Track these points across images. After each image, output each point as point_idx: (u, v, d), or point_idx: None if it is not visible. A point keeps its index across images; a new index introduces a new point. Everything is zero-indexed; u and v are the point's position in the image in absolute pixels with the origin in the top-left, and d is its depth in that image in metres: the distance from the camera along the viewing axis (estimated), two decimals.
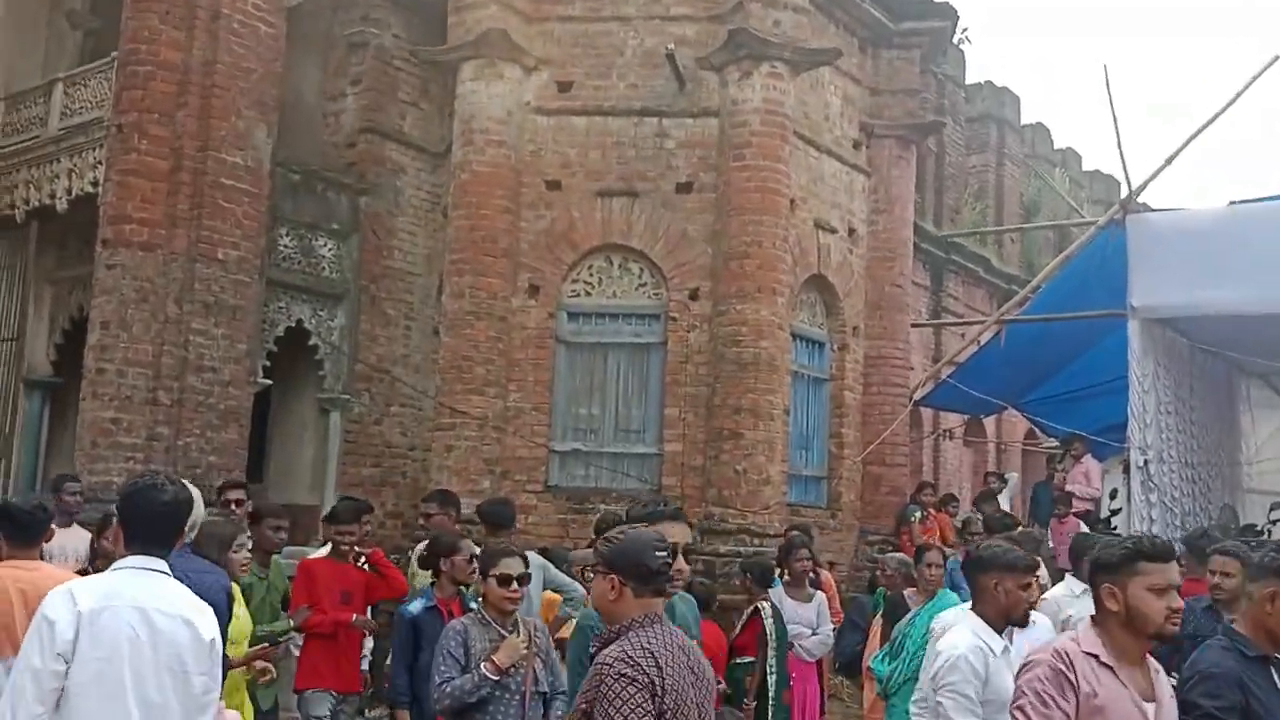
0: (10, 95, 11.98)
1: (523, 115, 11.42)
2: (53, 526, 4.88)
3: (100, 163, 10.64)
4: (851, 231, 12.69)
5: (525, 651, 4.73)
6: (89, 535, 6.91)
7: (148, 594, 3.30)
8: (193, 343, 10.29)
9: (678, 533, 3.94)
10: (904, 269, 13.18)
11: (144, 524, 3.41)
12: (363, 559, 6.86)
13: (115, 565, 3.43)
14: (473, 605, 5.37)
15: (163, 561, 3.41)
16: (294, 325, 11.58)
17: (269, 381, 11.23)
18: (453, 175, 11.53)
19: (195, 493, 4.48)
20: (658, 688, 2.93)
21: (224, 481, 8.86)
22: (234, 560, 5.49)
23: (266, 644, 5.79)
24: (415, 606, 5.93)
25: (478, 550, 5.86)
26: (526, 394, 11.15)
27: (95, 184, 10.68)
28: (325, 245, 11.93)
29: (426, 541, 6.85)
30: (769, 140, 11.04)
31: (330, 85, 12.70)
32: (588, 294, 11.40)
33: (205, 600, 3.55)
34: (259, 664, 5.68)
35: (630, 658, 2.94)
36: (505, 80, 11.32)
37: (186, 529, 4.13)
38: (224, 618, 4.61)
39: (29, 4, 12.31)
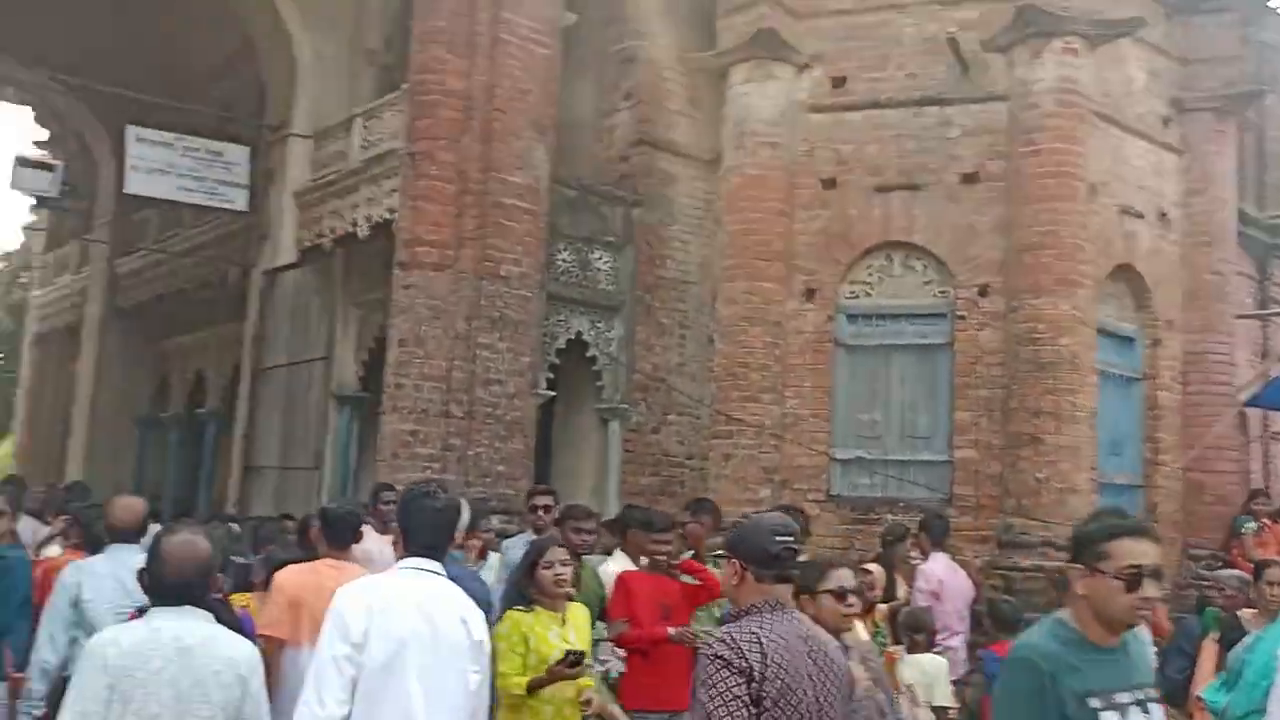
0: (318, 133, 12.92)
1: (795, 114, 11.13)
2: (366, 529, 5.10)
3: (395, 190, 11.24)
4: (1162, 216, 11.55)
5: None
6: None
7: (427, 594, 3.49)
8: (480, 357, 10.64)
9: (1146, 552, 3.02)
10: (1224, 255, 11.88)
11: (420, 529, 3.62)
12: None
13: (398, 565, 3.64)
14: None
15: (438, 564, 3.60)
16: (573, 337, 11.79)
17: (552, 393, 11.47)
18: (724, 181, 11.39)
19: (463, 503, 4.63)
20: (756, 674, 2.87)
21: (532, 488, 8.99)
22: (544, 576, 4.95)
23: (570, 662, 4.73)
24: None
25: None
26: (805, 400, 10.81)
27: (391, 210, 11.29)
28: (601, 258, 12.10)
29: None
30: (1064, 122, 10.21)
31: (604, 101, 12.89)
32: (867, 295, 10.94)
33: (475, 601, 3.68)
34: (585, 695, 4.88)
35: (732, 641, 2.93)
36: (776, 80, 11.08)
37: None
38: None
39: (332, 48, 13.25)
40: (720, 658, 2.89)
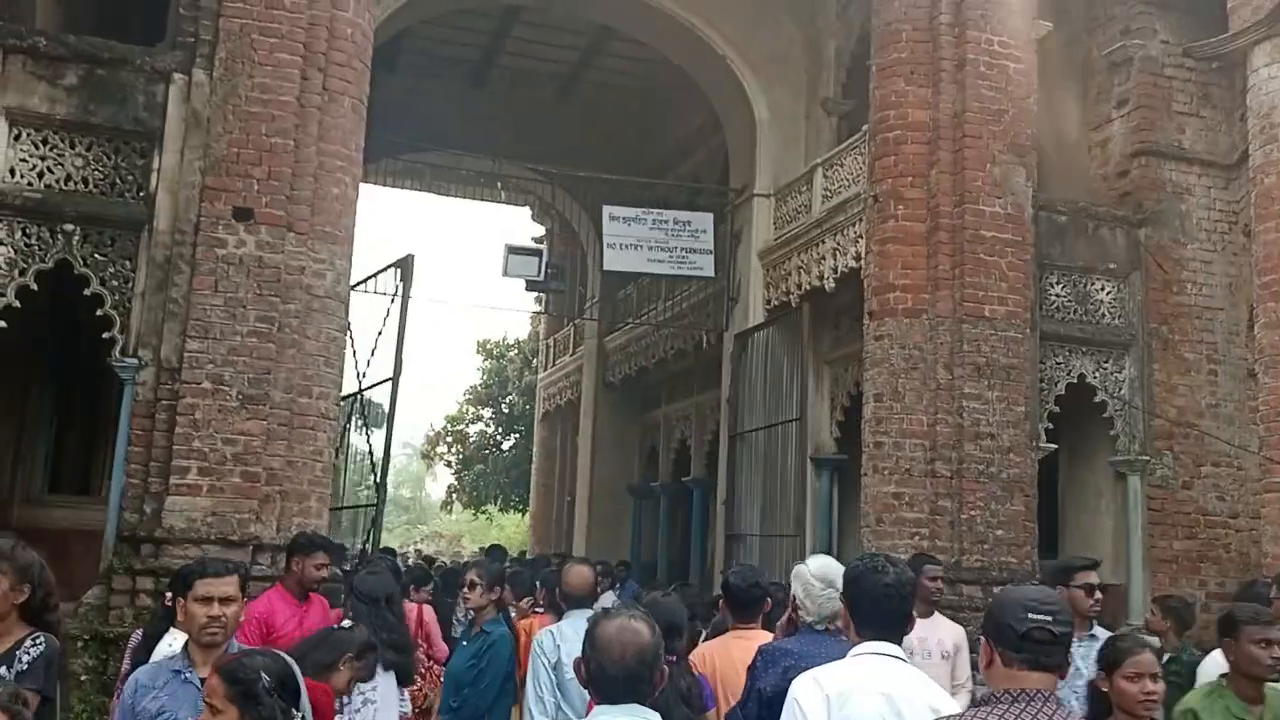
0: (778, 190, 12.66)
1: None
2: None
3: (860, 236, 10.62)
4: None
5: None
6: (950, 623, 6.24)
7: (891, 680, 3.16)
8: (967, 409, 9.60)
9: None
10: None
11: (871, 607, 3.28)
12: None
13: (854, 651, 3.31)
14: None
15: (898, 647, 3.26)
16: (1075, 381, 10.35)
17: (1053, 445, 10.11)
18: (1252, 184, 9.51)
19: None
20: None
21: (1065, 563, 6.34)
22: None
23: None
24: None
25: None
26: None
27: (857, 258, 10.66)
28: (1102, 288, 10.59)
29: None
30: None
31: (1091, 113, 11.44)
32: None
33: None
34: None
35: None
36: None
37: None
38: None
39: (790, 103, 13.00)
40: None
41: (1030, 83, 10.20)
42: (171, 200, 8.14)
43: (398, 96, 16.27)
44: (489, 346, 29.25)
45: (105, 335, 8.04)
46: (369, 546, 9.67)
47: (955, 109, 9.94)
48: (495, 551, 12.57)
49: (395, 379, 9.75)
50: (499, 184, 15.94)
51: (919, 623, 5.25)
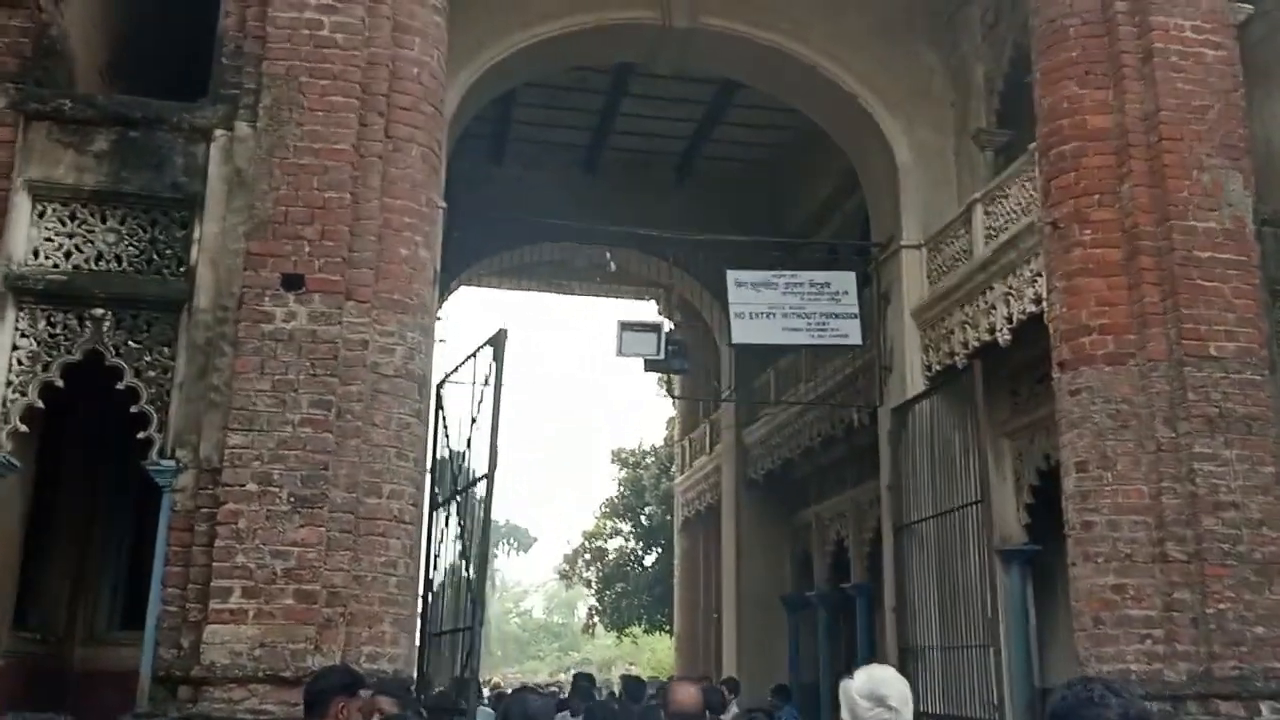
0: (930, 239, 10.93)
1: None
2: None
3: (1039, 275, 8.82)
4: None
5: None
6: None
7: None
8: (1200, 472, 7.56)
9: None
10: None
11: None
12: None
13: None
14: None
15: None
16: None
17: None
18: None
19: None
20: None
21: None
22: None
23: None
24: None
25: None
26: None
27: (1037, 300, 8.85)
28: None
29: None
30: None
31: None
32: None
33: None
34: None
35: None
36: None
37: None
38: None
39: (933, 141, 11.36)
40: None
41: (1235, 73, 8.39)
42: (213, 274, 6.96)
43: (506, 189, 15.28)
44: (624, 455, 27.75)
45: (140, 435, 6.82)
46: (466, 673, 8.07)
47: (1145, 109, 8.16)
48: (581, 680, 10.65)
49: (490, 474, 8.29)
50: (613, 273, 14.58)
51: None
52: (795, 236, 15.50)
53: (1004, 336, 9.30)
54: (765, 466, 16.41)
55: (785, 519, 17.19)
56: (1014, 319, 9.14)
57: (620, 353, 11.02)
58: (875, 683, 3.16)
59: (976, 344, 9.76)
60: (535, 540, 56.47)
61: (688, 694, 4.71)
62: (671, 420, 24.27)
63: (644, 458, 27.24)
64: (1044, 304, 8.48)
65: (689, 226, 13.73)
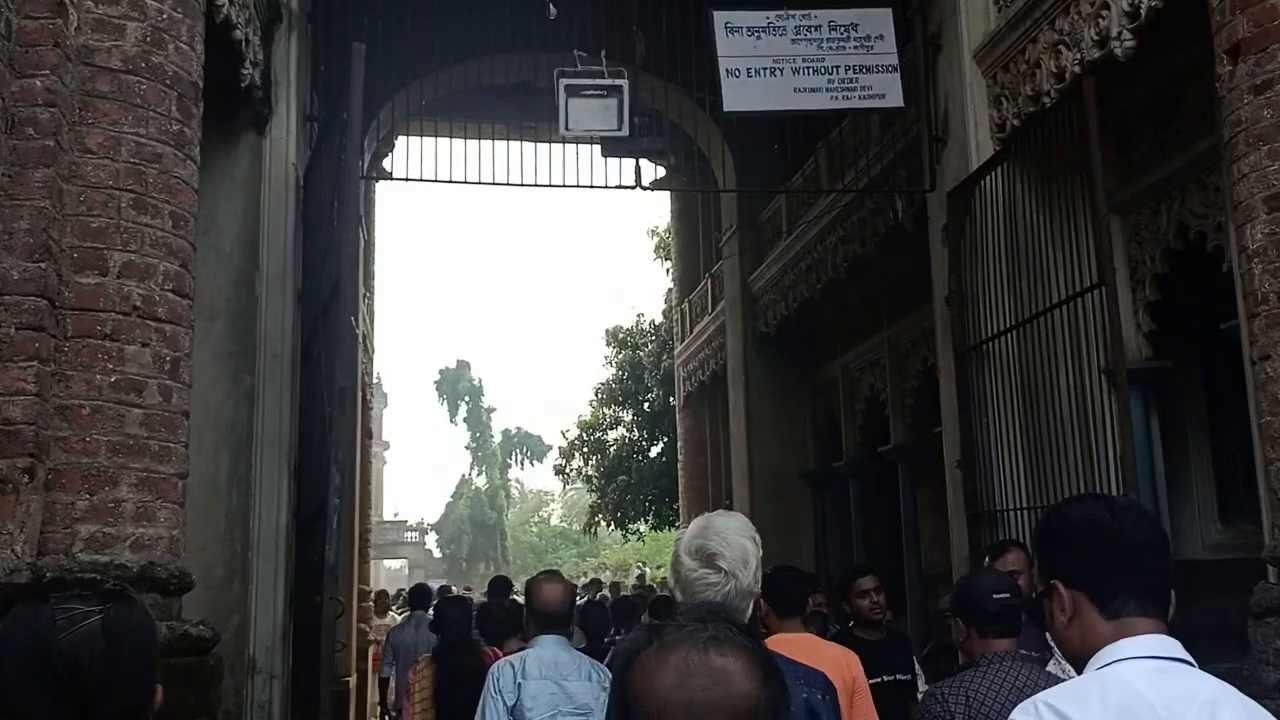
0: None
1: None
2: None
3: None
4: None
5: None
6: None
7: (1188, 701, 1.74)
8: None
9: None
10: None
11: (1110, 568, 1.85)
12: None
13: (1118, 656, 1.86)
14: None
15: (1177, 644, 1.84)
16: None
17: None
18: None
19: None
20: None
21: None
22: None
23: None
24: None
25: None
26: None
27: None
28: None
29: None
30: None
31: None
32: None
33: None
34: None
35: (940, 693, 3.20)
36: None
37: None
38: None
39: None
40: (930, 712, 3.17)
41: None
42: None
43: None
44: (620, 335, 24.78)
45: None
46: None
47: None
48: (499, 584, 9.44)
49: (346, 272, 5.32)
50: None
51: None
52: None
53: (1125, 44, 6.20)
54: (779, 313, 13.39)
55: (803, 379, 14.28)
56: (1142, 11, 6.06)
57: (566, 128, 7.92)
58: (708, 535, 2.50)
59: (1077, 69, 6.68)
60: (550, 448, 54.09)
61: (554, 593, 4.16)
62: (670, 291, 21.32)
63: (643, 337, 24.29)
64: None
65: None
